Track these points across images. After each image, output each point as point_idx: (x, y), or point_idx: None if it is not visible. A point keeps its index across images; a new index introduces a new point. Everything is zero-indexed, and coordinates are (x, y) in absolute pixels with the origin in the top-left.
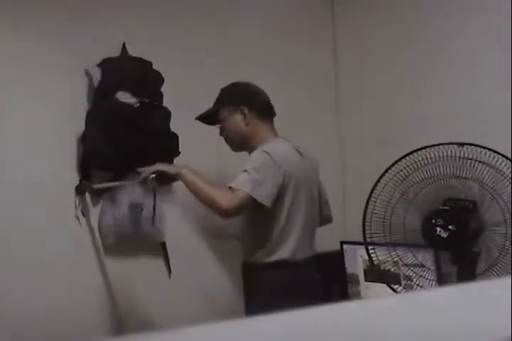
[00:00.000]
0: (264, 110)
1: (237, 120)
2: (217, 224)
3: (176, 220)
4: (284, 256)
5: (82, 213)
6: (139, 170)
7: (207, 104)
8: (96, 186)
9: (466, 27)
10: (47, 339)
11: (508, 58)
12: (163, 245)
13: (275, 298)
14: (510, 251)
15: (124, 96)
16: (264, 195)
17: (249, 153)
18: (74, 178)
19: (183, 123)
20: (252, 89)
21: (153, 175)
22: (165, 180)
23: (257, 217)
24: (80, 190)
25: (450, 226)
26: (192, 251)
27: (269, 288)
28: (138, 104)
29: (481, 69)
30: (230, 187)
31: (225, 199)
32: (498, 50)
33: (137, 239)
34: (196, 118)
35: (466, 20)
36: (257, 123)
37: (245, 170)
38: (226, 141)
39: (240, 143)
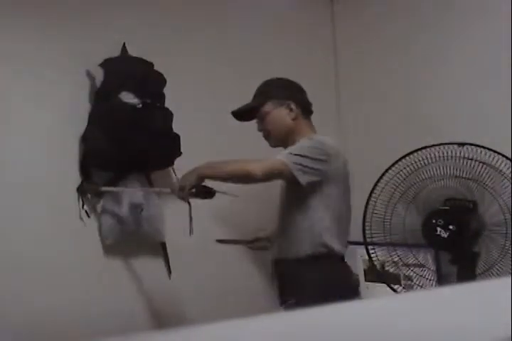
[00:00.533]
0: (306, 107)
1: (283, 114)
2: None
3: (176, 220)
4: (331, 248)
5: (87, 213)
6: (176, 192)
7: (207, 104)
8: (104, 189)
9: (466, 27)
10: (47, 339)
11: (508, 58)
12: (163, 245)
13: (316, 294)
14: (510, 251)
15: (128, 97)
16: (300, 169)
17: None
18: (75, 178)
19: (184, 123)
20: (297, 86)
21: (194, 190)
22: (203, 193)
23: (302, 205)
24: (82, 191)
25: (450, 226)
26: (193, 250)
27: (310, 284)
28: (140, 105)
29: (481, 68)
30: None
31: (254, 164)
32: (498, 49)
33: (137, 239)
34: (232, 113)
35: (466, 19)
36: (301, 119)
37: (290, 148)
38: (265, 135)
39: (282, 138)
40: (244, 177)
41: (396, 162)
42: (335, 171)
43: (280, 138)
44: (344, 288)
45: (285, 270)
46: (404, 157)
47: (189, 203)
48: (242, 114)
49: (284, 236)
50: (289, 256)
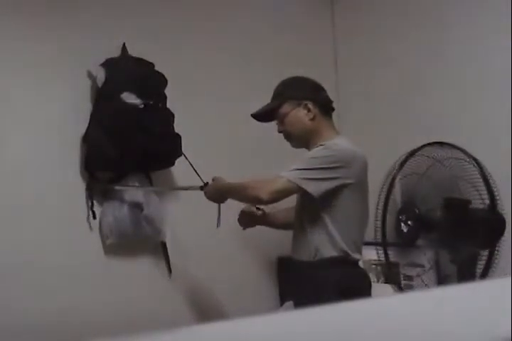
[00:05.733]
0: (326, 106)
1: (300, 115)
2: None
3: (177, 220)
4: (346, 254)
5: (94, 214)
6: None
7: (208, 104)
8: (118, 187)
9: (466, 26)
10: (47, 338)
11: (508, 58)
12: (164, 245)
13: (328, 297)
14: (510, 251)
15: (130, 97)
16: (309, 183)
17: (309, 150)
18: (76, 178)
19: (185, 123)
20: (315, 84)
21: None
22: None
23: (317, 212)
24: (90, 191)
25: (409, 222)
26: (193, 250)
27: (323, 286)
28: (142, 105)
29: (481, 68)
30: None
31: (261, 190)
32: (499, 49)
33: (137, 239)
34: (252, 115)
35: (466, 19)
36: (320, 119)
37: (299, 160)
38: (285, 136)
39: (302, 139)
40: (255, 202)
41: (403, 162)
42: (352, 175)
43: (301, 140)
44: (357, 290)
45: (297, 272)
46: (409, 156)
47: (219, 206)
48: (262, 116)
49: (300, 240)
50: (303, 259)
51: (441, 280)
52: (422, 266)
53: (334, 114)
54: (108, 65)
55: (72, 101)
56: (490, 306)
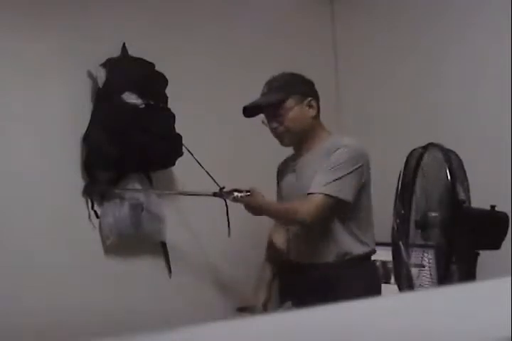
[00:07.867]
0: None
1: (304, 112)
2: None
3: (177, 220)
4: (356, 254)
5: (95, 213)
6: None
7: (208, 104)
8: (118, 191)
9: (466, 26)
10: (46, 338)
11: (509, 59)
12: (164, 245)
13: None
14: (510, 251)
15: (130, 97)
16: (345, 192)
17: (298, 149)
18: (76, 178)
19: (185, 124)
20: (311, 81)
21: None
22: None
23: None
24: (89, 192)
25: (397, 220)
26: (193, 250)
27: (355, 285)
28: (143, 106)
29: (481, 69)
30: (309, 194)
31: (303, 209)
32: (499, 50)
33: (137, 239)
34: (244, 107)
35: (466, 20)
36: (318, 117)
37: (325, 170)
38: (280, 132)
39: (299, 136)
40: (299, 225)
41: (418, 161)
42: (366, 173)
43: (297, 137)
44: (367, 288)
45: (322, 274)
46: (421, 156)
47: (226, 204)
48: (252, 110)
49: (305, 241)
50: (313, 261)
51: (441, 280)
52: (422, 266)
53: (334, 114)
54: (108, 65)
55: (72, 101)
56: (490, 306)
